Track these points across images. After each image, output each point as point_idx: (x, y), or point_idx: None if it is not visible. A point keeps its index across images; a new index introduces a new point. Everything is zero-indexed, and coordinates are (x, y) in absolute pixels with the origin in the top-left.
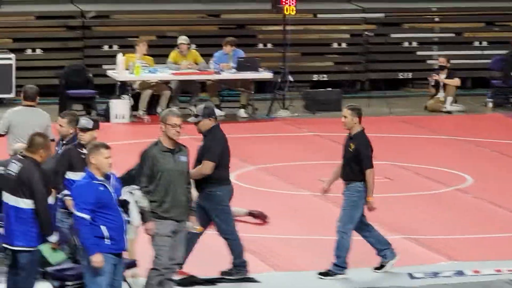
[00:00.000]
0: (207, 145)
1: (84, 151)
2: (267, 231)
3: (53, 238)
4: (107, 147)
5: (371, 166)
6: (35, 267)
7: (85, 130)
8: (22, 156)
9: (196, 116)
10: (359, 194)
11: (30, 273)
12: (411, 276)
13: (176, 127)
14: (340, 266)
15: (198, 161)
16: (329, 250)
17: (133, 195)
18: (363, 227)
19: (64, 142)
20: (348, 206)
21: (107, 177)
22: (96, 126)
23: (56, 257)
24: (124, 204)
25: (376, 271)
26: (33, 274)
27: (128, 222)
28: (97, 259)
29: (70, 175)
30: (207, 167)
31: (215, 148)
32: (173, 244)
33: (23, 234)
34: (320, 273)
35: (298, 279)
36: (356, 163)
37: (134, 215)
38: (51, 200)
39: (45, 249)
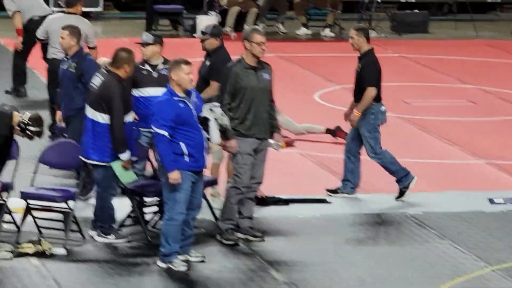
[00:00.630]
0: (212, 65)
1: (147, 67)
2: None
3: (125, 156)
4: (187, 62)
5: (373, 84)
6: (111, 182)
7: (145, 44)
8: (106, 70)
9: (204, 33)
10: (374, 116)
11: (106, 189)
12: (491, 201)
13: (262, 45)
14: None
15: (203, 80)
16: (412, 173)
17: (214, 113)
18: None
19: (67, 57)
20: (367, 132)
21: (188, 93)
22: (157, 41)
23: (126, 177)
24: (204, 122)
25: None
26: (109, 190)
27: (208, 139)
28: (175, 176)
29: (134, 92)
30: (215, 87)
31: (220, 69)
32: (253, 163)
33: (98, 149)
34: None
35: (377, 201)
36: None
37: (214, 133)
38: (130, 117)
39: (116, 167)
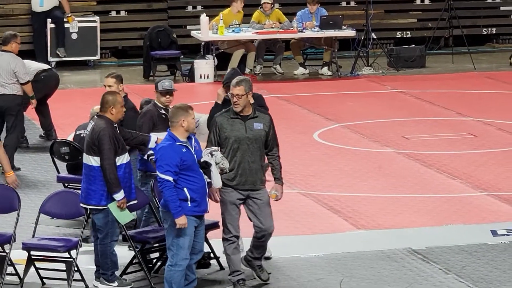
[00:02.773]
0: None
1: (163, 111)
2: (351, 189)
3: (118, 196)
4: (191, 108)
5: None
6: (111, 228)
7: (171, 92)
8: (97, 115)
9: None
10: None
11: (107, 235)
12: (494, 233)
13: (233, 97)
14: None
15: None
16: (414, 208)
17: (214, 157)
18: None
19: None
20: None
21: (188, 138)
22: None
23: (123, 217)
24: (205, 166)
25: None
26: (110, 236)
27: (209, 184)
28: (182, 221)
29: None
30: None
31: None
32: (254, 212)
33: (94, 193)
34: None
35: (379, 237)
36: None
37: (215, 177)
38: (124, 159)
39: (112, 208)
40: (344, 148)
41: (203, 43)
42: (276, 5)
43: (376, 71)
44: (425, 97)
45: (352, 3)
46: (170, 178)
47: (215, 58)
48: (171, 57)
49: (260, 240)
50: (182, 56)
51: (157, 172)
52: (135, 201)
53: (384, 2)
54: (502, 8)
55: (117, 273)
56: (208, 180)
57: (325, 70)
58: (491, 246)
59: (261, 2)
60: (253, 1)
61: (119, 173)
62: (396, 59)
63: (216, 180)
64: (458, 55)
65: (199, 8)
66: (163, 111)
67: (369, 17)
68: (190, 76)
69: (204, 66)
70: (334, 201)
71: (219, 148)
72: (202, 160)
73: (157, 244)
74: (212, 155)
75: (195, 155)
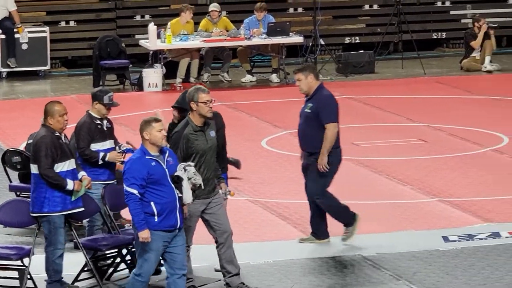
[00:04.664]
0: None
1: (98, 122)
2: (300, 196)
3: (69, 186)
4: (157, 120)
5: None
6: (56, 236)
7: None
8: (41, 125)
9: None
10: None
11: (50, 242)
12: (445, 239)
13: (209, 103)
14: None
15: None
16: (364, 215)
17: (187, 172)
18: None
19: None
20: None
21: (162, 151)
22: None
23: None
24: (177, 180)
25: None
26: (54, 244)
27: (181, 198)
28: (144, 235)
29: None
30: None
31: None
32: (213, 218)
33: (36, 200)
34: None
35: (330, 245)
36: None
37: (186, 192)
38: (66, 166)
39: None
40: (292, 155)
41: (151, 52)
42: (224, 13)
43: (325, 77)
44: (374, 103)
45: (300, 9)
46: (136, 191)
47: (163, 67)
48: (120, 67)
49: (224, 245)
50: (131, 65)
51: (124, 185)
52: (82, 209)
53: (332, 8)
54: (452, 12)
55: (69, 280)
56: (180, 195)
57: (273, 77)
58: (443, 252)
59: (209, 10)
60: (201, 9)
61: None
62: (344, 65)
63: (187, 195)
64: (408, 60)
65: (147, 17)
66: (98, 122)
67: (317, 23)
68: (138, 85)
69: (153, 75)
70: (282, 208)
71: (193, 164)
72: (175, 174)
73: (109, 251)
74: (185, 170)
75: (166, 170)
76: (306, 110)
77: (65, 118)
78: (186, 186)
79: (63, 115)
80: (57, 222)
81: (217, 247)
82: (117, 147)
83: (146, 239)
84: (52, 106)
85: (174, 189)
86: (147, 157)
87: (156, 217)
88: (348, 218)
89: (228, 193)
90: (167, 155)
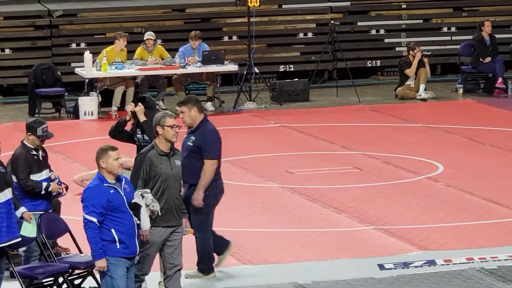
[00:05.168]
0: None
1: (34, 152)
2: (235, 224)
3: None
4: (114, 148)
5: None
6: None
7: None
8: None
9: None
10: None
11: None
12: (381, 267)
13: (175, 127)
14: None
15: None
16: (299, 243)
17: (145, 199)
18: None
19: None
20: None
21: (118, 179)
22: None
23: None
24: (135, 207)
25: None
26: None
27: (139, 226)
28: (101, 264)
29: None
30: None
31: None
32: (170, 251)
33: None
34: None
35: (265, 273)
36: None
37: (144, 219)
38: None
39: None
40: (227, 183)
41: (87, 80)
42: (159, 41)
43: (259, 105)
44: (309, 131)
45: (234, 38)
46: (94, 219)
47: (99, 95)
48: (55, 95)
49: (172, 278)
50: (66, 93)
51: (83, 213)
52: (19, 239)
53: (267, 36)
54: (386, 40)
55: None
56: (138, 222)
57: (208, 105)
58: (378, 280)
59: (144, 39)
60: (136, 37)
61: None
62: (279, 93)
63: (145, 222)
64: (343, 88)
65: (82, 45)
66: (34, 152)
67: (251, 51)
68: (74, 113)
69: (88, 103)
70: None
71: (150, 191)
72: (132, 201)
73: (45, 280)
74: (143, 197)
75: (124, 197)
76: (188, 143)
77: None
78: (144, 213)
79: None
80: None
81: (164, 279)
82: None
83: (103, 268)
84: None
85: (133, 216)
86: (105, 184)
87: (118, 244)
88: (209, 266)
89: (187, 230)
90: (123, 182)
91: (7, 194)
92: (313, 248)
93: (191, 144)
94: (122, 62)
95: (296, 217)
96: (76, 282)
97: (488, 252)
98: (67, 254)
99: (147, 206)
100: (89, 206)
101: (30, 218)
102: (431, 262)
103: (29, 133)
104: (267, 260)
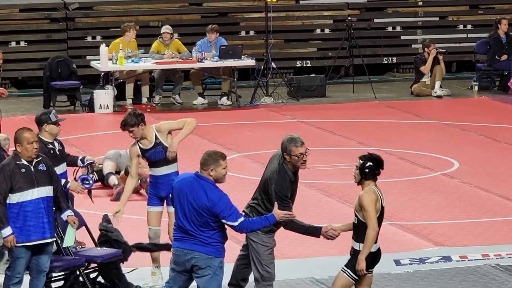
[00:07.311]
0: None
1: (50, 146)
2: None
3: (4, 232)
4: (224, 157)
5: None
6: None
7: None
8: None
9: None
10: None
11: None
12: (397, 262)
13: (303, 156)
14: None
15: None
16: (313, 238)
17: None
18: None
19: None
20: None
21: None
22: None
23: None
24: None
25: None
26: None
27: None
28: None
29: None
30: None
31: None
32: None
33: None
34: None
35: (282, 268)
36: None
37: None
38: (32, 195)
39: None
40: (244, 177)
41: (102, 73)
42: (175, 35)
43: (276, 100)
44: (326, 127)
45: (252, 33)
46: (242, 218)
47: (115, 88)
48: (71, 88)
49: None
50: (81, 87)
51: (233, 222)
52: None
53: (284, 32)
54: (402, 37)
55: None
56: None
57: (224, 100)
58: (394, 275)
59: (161, 32)
60: (153, 31)
61: (20, 210)
62: (296, 89)
63: None
64: (359, 85)
65: (98, 38)
66: (50, 146)
67: (268, 47)
68: (89, 107)
69: (104, 96)
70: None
71: None
72: None
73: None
74: None
75: None
76: None
77: (34, 146)
78: None
79: (32, 142)
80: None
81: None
82: (79, 161)
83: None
84: (20, 133)
85: None
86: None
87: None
88: None
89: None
90: None
91: (38, 192)
92: (329, 243)
93: None
94: (134, 55)
95: (313, 212)
96: (92, 275)
97: (503, 249)
98: (83, 248)
99: None
100: (234, 211)
101: (74, 223)
102: (447, 258)
103: (44, 124)
104: (284, 255)
